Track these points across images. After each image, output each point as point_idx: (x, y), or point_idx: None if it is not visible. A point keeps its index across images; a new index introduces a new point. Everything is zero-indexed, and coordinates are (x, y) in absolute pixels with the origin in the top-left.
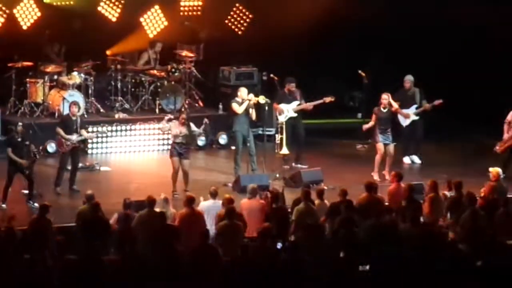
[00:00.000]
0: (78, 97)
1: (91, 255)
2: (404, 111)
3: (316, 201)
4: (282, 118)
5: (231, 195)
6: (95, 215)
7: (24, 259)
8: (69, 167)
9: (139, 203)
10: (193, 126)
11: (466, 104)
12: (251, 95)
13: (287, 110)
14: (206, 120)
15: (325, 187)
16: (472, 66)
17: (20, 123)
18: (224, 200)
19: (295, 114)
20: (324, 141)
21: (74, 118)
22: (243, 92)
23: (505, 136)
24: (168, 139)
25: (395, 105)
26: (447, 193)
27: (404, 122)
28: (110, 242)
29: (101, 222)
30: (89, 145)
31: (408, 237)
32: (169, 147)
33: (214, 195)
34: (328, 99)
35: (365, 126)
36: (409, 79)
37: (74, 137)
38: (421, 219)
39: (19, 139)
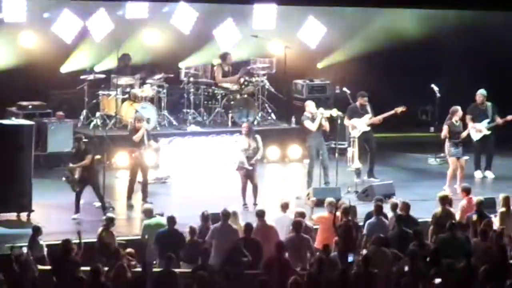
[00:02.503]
0: (151, 109)
1: (167, 268)
2: (476, 125)
3: (390, 215)
4: (355, 133)
5: (303, 208)
6: (171, 228)
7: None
8: (140, 180)
9: (218, 216)
10: (258, 138)
11: None
12: (322, 109)
13: (360, 125)
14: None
15: (398, 201)
16: None
17: (84, 139)
18: (296, 214)
19: (368, 128)
20: (396, 155)
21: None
22: (310, 106)
23: None
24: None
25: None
26: None
27: (476, 136)
28: (183, 254)
29: (176, 234)
30: (162, 158)
31: (478, 251)
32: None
33: (284, 208)
34: (400, 109)
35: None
36: (481, 93)
37: (143, 149)
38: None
39: (80, 152)
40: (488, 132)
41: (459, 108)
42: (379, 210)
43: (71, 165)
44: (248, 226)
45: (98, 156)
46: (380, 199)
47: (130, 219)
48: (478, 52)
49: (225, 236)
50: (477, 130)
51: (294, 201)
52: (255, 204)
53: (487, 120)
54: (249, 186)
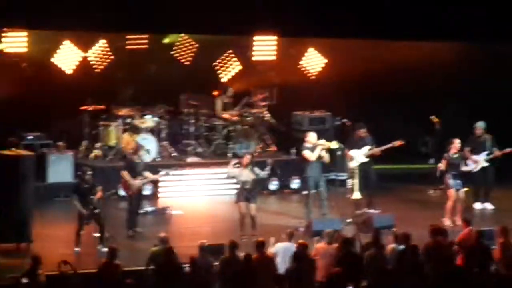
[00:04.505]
0: (151, 140)
1: None
2: (475, 157)
3: (391, 246)
4: (353, 164)
5: (302, 239)
6: (169, 259)
7: None
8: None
9: (215, 247)
10: (257, 170)
11: None
12: (322, 140)
13: (358, 156)
14: (269, 160)
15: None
16: None
17: (89, 171)
18: (299, 244)
19: (366, 159)
20: (396, 186)
21: (138, 161)
22: (311, 137)
23: None
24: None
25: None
26: None
27: (474, 169)
28: (182, 286)
29: (174, 265)
30: (161, 189)
31: (477, 282)
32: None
33: (290, 237)
34: (397, 143)
35: (439, 168)
36: (480, 126)
37: (138, 181)
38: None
39: (86, 186)
40: (486, 164)
41: (457, 140)
42: (377, 241)
43: (96, 199)
44: (247, 257)
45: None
46: (378, 230)
47: (130, 249)
48: (477, 84)
49: (232, 267)
50: (476, 162)
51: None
52: (253, 235)
53: (485, 152)
54: (248, 217)
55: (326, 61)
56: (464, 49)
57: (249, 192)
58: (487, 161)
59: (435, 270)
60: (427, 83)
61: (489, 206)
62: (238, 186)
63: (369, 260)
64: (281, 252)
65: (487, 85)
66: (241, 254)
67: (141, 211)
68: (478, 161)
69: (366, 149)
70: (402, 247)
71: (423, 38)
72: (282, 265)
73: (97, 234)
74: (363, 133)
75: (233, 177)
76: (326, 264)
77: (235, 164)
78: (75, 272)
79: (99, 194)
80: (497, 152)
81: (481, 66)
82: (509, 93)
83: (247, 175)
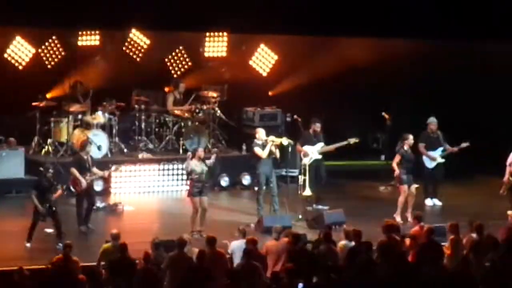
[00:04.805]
0: (102, 136)
1: None
2: (430, 153)
3: (342, 242)
4: (306, 161)
5: (253, 235)
6: (122, 255)
7: None
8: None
9: (169, 243)
10: (208, 163)
11: (483, 146)
12: (272, 136)
13: (312, 153)
14: (214, 149)
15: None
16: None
17: (51, 170)
18: (248, 240)
19: (320, 156)
20: (347, 183)
21: (86, 157)
22: (261, 133)
23: (505, 178)
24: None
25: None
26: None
27: (430, 165)
28: (135, 282)
29: (127, 262)
30: (113, 185)
31: (429, 279)
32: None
33: (243, 234)
34: (353, 140)
35: (394, 166)
36: (434, 121)
37: (87, 177)
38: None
39: (46, 184)
40: (442, 161)
41: (410, 135)
42: (327, 238)
43: (54, 198)
44: (201, 254)
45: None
46: (329, 227)
47: (81, 245)
48: (426, 80)
49: (180, 265)
50: (432, 158)
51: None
52: (200, 231)
53: (441, 149)
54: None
55: (276, 57)
56: (413, 45)
57: (203, 185)
58: (442, 157)
59: (389, 267)
60: (376, 79)
61: (437, 202)
62: (190, 180)
63: (320, 256)
64: (236, 249)
65: (434, 81)
66: (195, 249)
67: (93, 206)
68: (435, 158)
69: (319, 146)
70: (352, 243)
71: (370, 34)
72: (237, 262)
73: (50, 230)
74: (317, 128)
75: (190, 171)
76: (274, 261)
77: (188, 156)
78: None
79: (58, 192)
80: (454, 148)
81: (430, 62)
82: (456, 88)
83: (201, 167)
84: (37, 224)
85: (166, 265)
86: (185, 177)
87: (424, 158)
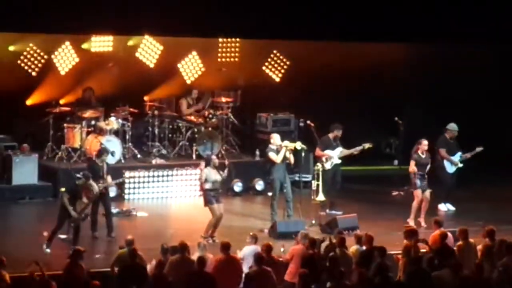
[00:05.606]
0: (115, 142)
1: None
2: (452, 158)
3: (353, 247)
4: (328, 165)
5: (268, 241)
6: (133, 261)
7: None
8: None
9: (176, 248)
10: (221, 173)
11: (499, 151)
12: (286, 142)
13: (334, 157)
14: (226, 162)
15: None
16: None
17: (82, 176)
18: (263, 246)
19: (339, 161)
20: (360, 188)
21: (101, 164)
22: (276, 138)
23: None
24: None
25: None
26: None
27: (451, 169)
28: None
29: (138, 268)
30: (126, 191)
31: (442, 283)
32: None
33: (255, 240)
34: (367, 145)
35: (413, 170)
36: (455, 129)
37: (100, 184)
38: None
39: (79, 189)
40: (461, 165)
41: (424, 141)
42: (341, 243)
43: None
44: (200, 259)
45: (62, 189)
46: (341, 232)
47: (96, 252)
48: (439, 85)
49: (182, 269)
50: (454, 163)
51: (258, 234)
52: (212, 237)
53: (459, 153)
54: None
55: (289, 63)
56: (427, 50)
57: (218, 192)
58: (460, 162)
59: (410, 272)
60: (389, 85)
61: (450, 207)
62: (208, 188)
63: (333, 261)
64: (248, 255)
65: (448, 86)
66: (210, 255)
67: (111, 213)
68: (457, 163)
69: (339, 151)
70: (364, 248)
71: (383, 39)
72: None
73: (64, 236)
74: (339, 133)
75: (205, 180)
76: (299, 264)
77: (201, 166)
78: (42, 274)
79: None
80: (467, 154)
81: (443, 67)
82: (470, 93)
83: (215, 176)
84: (60, 229)
85: (167, 269)
86: (197, 182)
87: (446, 163)
